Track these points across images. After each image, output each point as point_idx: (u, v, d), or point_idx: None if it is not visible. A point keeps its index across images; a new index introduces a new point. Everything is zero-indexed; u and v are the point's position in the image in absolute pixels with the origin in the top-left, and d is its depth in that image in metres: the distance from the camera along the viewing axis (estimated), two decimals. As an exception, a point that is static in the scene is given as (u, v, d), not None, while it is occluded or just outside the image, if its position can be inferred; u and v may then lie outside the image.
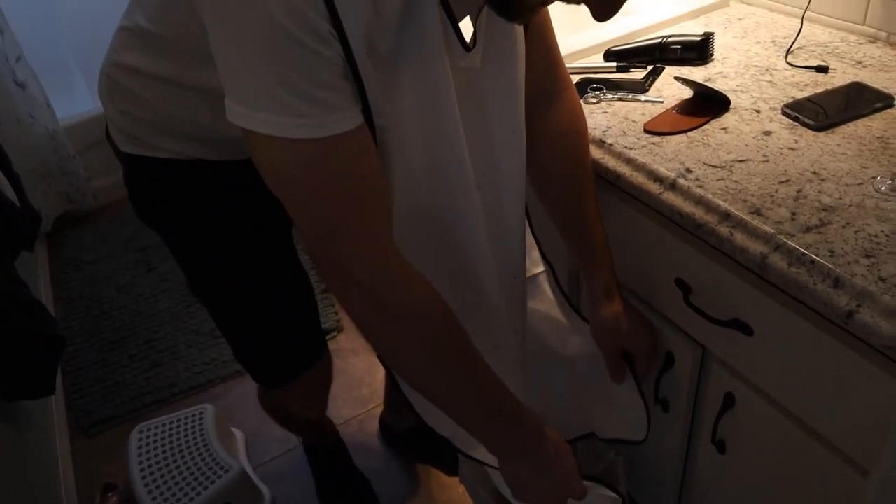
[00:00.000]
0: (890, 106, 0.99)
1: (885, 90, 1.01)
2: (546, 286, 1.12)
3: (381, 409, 1.75)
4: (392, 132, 0.74)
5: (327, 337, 2.00)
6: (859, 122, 0.96)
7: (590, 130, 1.01)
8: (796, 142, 0.94)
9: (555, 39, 0.94)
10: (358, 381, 1.88)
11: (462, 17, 0.76)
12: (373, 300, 0.74)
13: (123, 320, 2.16)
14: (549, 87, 0.95)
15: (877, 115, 0.97)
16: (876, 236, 0.76)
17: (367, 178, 0.71)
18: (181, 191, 0.98)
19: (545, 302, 1.11)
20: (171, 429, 1.57)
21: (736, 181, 0.88)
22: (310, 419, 1.44)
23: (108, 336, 2.11)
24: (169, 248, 1.06)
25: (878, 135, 0.93)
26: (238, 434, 1.73)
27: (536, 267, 1.10)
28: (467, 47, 0.77)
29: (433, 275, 0.78)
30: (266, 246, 1.05)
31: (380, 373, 1.85)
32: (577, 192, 0.99)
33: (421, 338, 0.77)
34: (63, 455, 1.73)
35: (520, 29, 0.84)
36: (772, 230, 0.79)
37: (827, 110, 0.98)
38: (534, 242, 1.09)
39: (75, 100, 2.67)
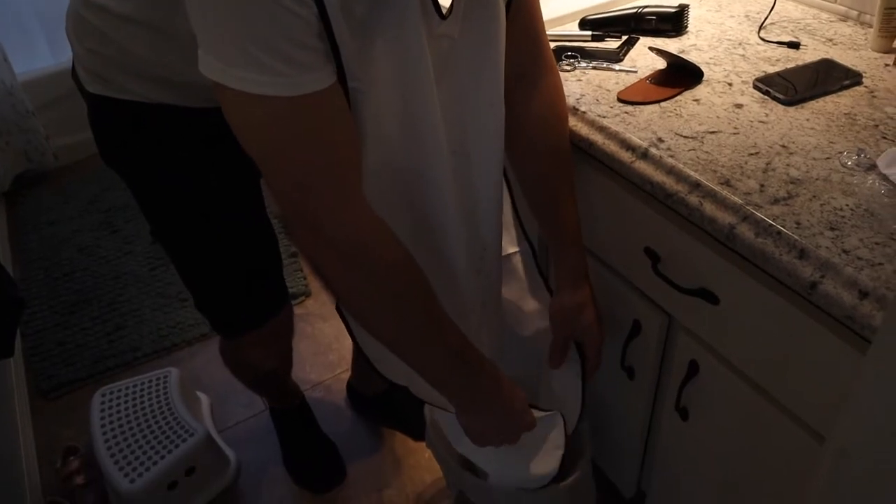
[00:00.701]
0: (858, 84, 1.00)
1: (853, 68, 1.03)
2: (520, 267, 1.12)
3: (348, 374, 1.76)
4: (365, 94, 0.74)
5: (294, 302, 1.99)
6: (828, 98, 0.98)
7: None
8: (767, 115, 0.95)
9: (541, 22, 0.93)
10: (326, 347, 1.88)
11: None
12: (345, 258, 0.75)
13: (85, 282, 2.12)
14: (532, 68, 0.95)
15: (845, 93, 0.98)
16: (841, 210, 0.78)
17: (340, 138, 0.71)
18: (147, 134, 0.96)
19: (513, 285, 1.11)
20: (134, 392, 1.55)
21: (707, 152, 0.89)
22: (272, 374, 1.42)
23: (70, 298, 2.07)
24: (132, 192, 1.04)
25: (845, 111, 0.94)
26: (203, 398, 1.72)
27: (512, 246, 1.10)
28: (442, 14, 0.76)
29: (400, 235, 0.78)
30: (231, 192, 1.04)
31: (348, 338, 1.84)
32: (553, 178, 0.99)
33: (392, 294, 0.78)
34: (23, 419, 1.70)
35: (501, 4, 0.83)
36: (740, 201, 0.80)
37: (797, 86, 0.99)
38: (512, 221, 1.08)
39: (35, 55, 2.58)
